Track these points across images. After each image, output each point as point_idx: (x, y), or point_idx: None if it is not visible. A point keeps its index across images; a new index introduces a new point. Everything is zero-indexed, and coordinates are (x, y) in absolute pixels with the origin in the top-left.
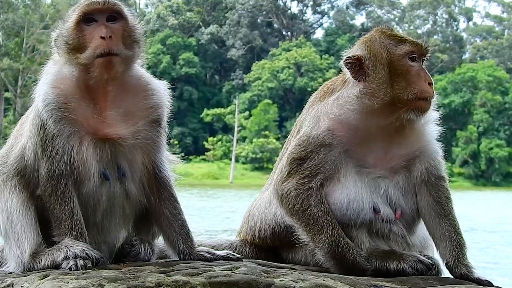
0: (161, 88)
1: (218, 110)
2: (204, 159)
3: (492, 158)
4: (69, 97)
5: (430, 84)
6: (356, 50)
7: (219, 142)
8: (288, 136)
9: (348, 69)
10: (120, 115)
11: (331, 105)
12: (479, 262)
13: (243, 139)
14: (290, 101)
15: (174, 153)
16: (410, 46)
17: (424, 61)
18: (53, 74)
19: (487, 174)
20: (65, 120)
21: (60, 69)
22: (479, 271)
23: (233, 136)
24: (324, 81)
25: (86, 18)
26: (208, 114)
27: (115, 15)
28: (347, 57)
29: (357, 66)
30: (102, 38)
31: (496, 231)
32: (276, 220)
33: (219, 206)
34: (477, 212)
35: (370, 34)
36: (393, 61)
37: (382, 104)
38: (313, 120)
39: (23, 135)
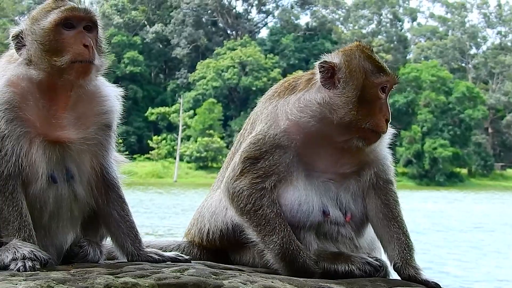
0: (114, 94)
1: (162, 109)
2: (148, 158)
3: (435, 158)
4: (27, 96)
5: (387, 121)
6: (334, 57)
7: (164, 141)
8: (241, 131)
9: (320, 72)
10: (74, 119)
11: (292, 106)
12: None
13: (188, 138)
14: (235, 100)
15: (118, 151)
16: (386, 77)
17: (391, 91)
18: (10, 73)
19: (431, 174)
20: (17, 120)
21: (17, 68)
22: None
23: (177, 135)
24: (269, 80)
25: (66, 23)
26: (152, 113)
27: (91, 25)
28: (323, 61)
29: (329, 73)
30: (85, 46)
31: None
32: (225, 222)
33: (165, 205)
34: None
35: (351, 48)
36: (366, 87)
37: (340, 123)
38: (270, 116)
39: None
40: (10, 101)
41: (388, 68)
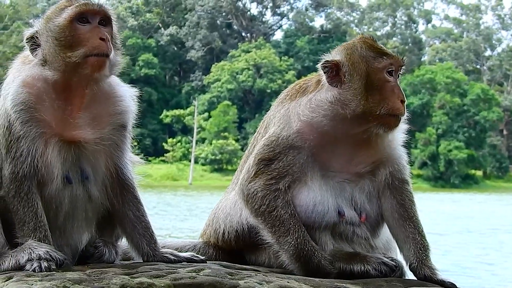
0: (129, 94)
1: (177, 111)
2: (163, 160)
3: (451, 160)
4: (42, 97)
5: (402, 101)
6: (335, 55)
7: (179, 144)
8: (255, 134)
9: (324, 73)
10: (89, 118)
11: (303, 107)
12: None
13: (203, 140)
14: (250, 103)
15: (133, 154)
16: (389, 60)
17: (400, 75)
18: (25, 74)
19: (446, 176)
20: (33, 121)
21: (32, 69)
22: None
23: (192, 137)
24: (284, 82)
25: (80, 18)
26: (167, 115)
27: (105, 20)
28: (325, 61)
29: (333, 71)
30: (102, 39)
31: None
32: (240, 222)
33: (181, 207)
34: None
35: (352, 42)
36: (371, 74)
37: (353, 115)
38: (283, 119)
39: None
40: (25, 102)
41: (391, 52)
